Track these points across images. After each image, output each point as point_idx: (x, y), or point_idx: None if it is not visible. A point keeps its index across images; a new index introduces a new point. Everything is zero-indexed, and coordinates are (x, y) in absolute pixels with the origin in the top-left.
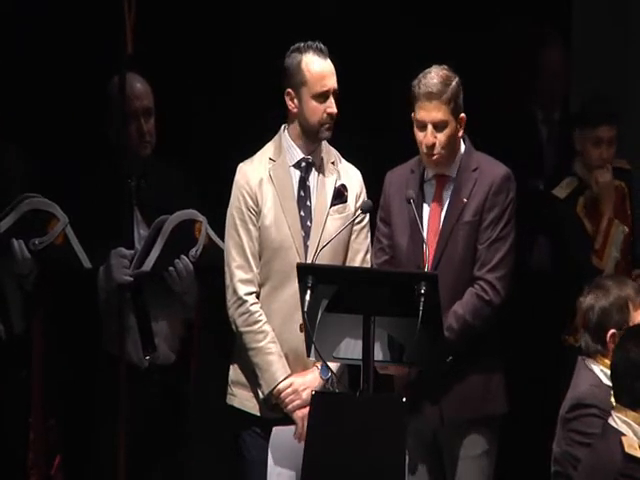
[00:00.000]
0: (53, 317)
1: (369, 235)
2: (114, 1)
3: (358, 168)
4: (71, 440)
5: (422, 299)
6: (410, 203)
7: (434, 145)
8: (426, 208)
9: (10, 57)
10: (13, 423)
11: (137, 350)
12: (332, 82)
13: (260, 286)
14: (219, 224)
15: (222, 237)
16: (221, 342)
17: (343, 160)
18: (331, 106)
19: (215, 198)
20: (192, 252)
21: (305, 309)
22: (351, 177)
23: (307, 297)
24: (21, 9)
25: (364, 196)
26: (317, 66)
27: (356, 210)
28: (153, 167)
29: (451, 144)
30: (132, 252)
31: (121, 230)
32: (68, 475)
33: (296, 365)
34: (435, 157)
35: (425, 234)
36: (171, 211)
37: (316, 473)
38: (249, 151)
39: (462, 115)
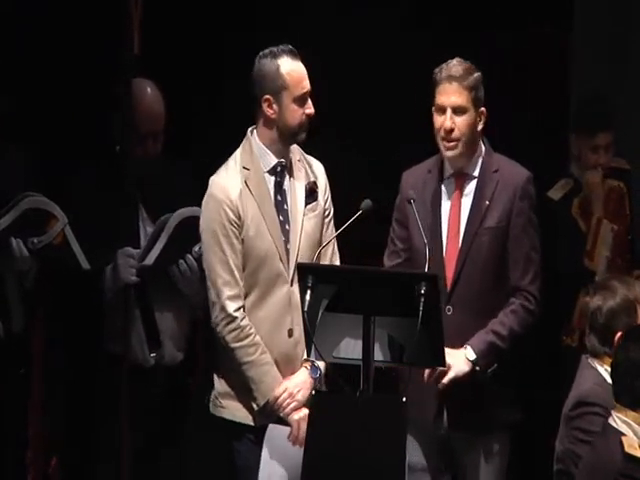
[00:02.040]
0: (52, 316)
1: (333, 227)
2: (116, 0)
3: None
4: (71, 439)
5: (422, 299)
6: (410, 204)
7: (452, 130)
8: (445, 207)
9: (10, 57)
10: (12, 421)
11: (142, 348)
12: (308, 83)
13: (245, 296)
14: None
15: None
16: None
17: (306, 155)
18: (310, 107)
19: None
20: (196, 249)
21: (305, 309)
22: (316, 171)
23: (307, 297)
24: (21, 9)
25: (327, 188)
26: (296, 70)
27: (325, 202)
28: (158, 164)
29: (469, 134)
30: (139, 251)
31: (125, 230)
32: (67, 474)
33: (286, 370)
34: (452, 144)
35: (445, 235)
36: (177, 209)
37: (316, 473)
38: None
39: (482, 109)
